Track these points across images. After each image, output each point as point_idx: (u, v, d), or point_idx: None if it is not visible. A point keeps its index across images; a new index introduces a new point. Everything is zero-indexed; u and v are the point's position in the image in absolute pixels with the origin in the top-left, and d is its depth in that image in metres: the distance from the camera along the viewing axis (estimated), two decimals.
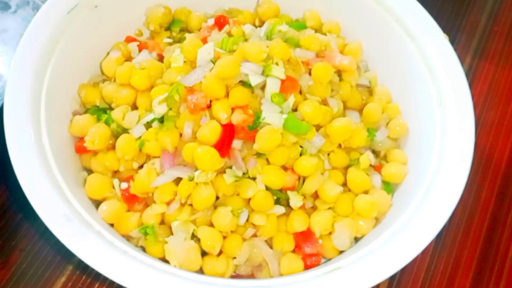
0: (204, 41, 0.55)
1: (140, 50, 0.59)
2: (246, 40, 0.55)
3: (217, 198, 0.50)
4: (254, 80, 0.51)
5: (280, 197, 0.52)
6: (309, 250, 0.51)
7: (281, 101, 0.51)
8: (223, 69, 0.50)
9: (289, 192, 0.52)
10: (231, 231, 0.50)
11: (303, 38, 0.56)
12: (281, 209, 0.52)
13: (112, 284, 0.53)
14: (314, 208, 0.53)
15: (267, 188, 0.51)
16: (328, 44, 0.58)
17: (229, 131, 0.50)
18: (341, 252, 0.52)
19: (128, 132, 0.52)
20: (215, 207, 0.50)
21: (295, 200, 0.51)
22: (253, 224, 0.51)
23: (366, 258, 0.46)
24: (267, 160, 0.51)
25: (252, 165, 0.50)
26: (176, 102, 0.51)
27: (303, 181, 0.52)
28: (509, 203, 0.63)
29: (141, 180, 0.50)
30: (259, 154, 0.51)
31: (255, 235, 0.51)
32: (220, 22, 0.59)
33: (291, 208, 0.52)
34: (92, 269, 0.43)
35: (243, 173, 0.51)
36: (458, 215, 0.61)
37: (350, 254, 0.48)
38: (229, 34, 0.57)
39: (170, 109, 0.51)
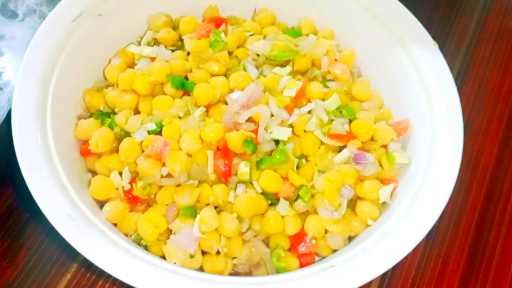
0: (201, 39, 0.57)
1: None
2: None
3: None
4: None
5: (274, 204, 0.53)
6: (303, 250, 0.52)
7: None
8: None
9: (281, 199, 0.53)
10: None
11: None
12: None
13: (116, 281, 0.55)
14: (306, 214, 0.54)
15: (263, 192, 0.52)
16: (332, 49, 0.59)
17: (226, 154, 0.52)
18: (335, 250, 0.53)
19: (131, 136, 0.53)
20: (218, 212, 0.51)
21: (283, 208, 0.52)
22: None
23: (359, 256, 0.47)
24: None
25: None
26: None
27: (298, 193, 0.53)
28: (496, 203, 0.64)
29: None
30: (257, 166, 0.52)
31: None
32: (217, 21, 0.60)
33: None
34: (96, 267, 0.44)
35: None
36: (448, 215, 0.62)
37: (343, 253, 0.49)
38: (225, 33, 0.59)
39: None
